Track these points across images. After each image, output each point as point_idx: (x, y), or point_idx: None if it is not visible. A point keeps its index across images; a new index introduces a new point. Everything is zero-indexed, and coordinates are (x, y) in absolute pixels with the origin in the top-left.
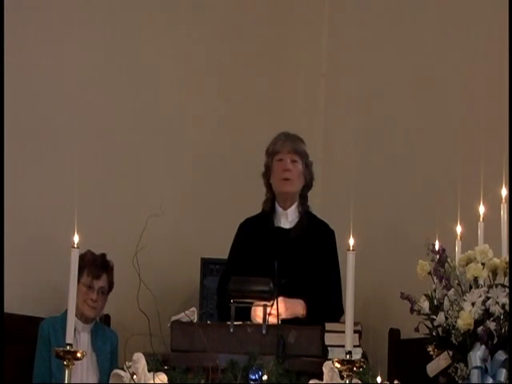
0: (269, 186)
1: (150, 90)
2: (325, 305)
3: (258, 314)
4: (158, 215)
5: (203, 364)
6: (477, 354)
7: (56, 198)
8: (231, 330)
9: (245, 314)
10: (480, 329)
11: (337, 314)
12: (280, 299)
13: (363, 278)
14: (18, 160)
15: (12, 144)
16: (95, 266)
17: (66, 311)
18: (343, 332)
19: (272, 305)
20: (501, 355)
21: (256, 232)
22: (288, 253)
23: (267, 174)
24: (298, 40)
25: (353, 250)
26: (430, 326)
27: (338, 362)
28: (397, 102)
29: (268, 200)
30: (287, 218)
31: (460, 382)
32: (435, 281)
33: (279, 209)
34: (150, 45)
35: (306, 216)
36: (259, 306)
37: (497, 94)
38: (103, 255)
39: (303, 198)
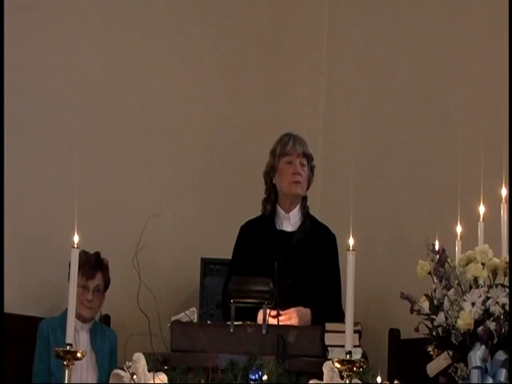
0: (272, 186)
1: (149, 90)
2: (327, 313)
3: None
4: (158, 215)
5: (203, 364)
6: (477, 354)
7: (56, 197)
8: (231, 330)
9: (248, 314)
10: (480, 329)
11: (339, 320)
12: (294, 309)
13: (363, 278)
14: (17, 160)
15: (12, 144)
16: (89, 265)
17: (65, 311)
18: (343, 332)
19: (273, 306)
20: (501, 355)
21: (258, 235)
22: (291, 256)
23: (271, 174)
24: (298, 40)
25: (353, 250)
26: (430, 325)
27: (338, 362)
28: (397, 101)
29: (270, 201)
30: (290, 221)
31: (460, 382)
32: (435, 281)
33: (281, 211)
34: (150, 45)
35: (308, 219)
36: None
37: (497, 94)
38: (97, 254)
39: (304, 199)
